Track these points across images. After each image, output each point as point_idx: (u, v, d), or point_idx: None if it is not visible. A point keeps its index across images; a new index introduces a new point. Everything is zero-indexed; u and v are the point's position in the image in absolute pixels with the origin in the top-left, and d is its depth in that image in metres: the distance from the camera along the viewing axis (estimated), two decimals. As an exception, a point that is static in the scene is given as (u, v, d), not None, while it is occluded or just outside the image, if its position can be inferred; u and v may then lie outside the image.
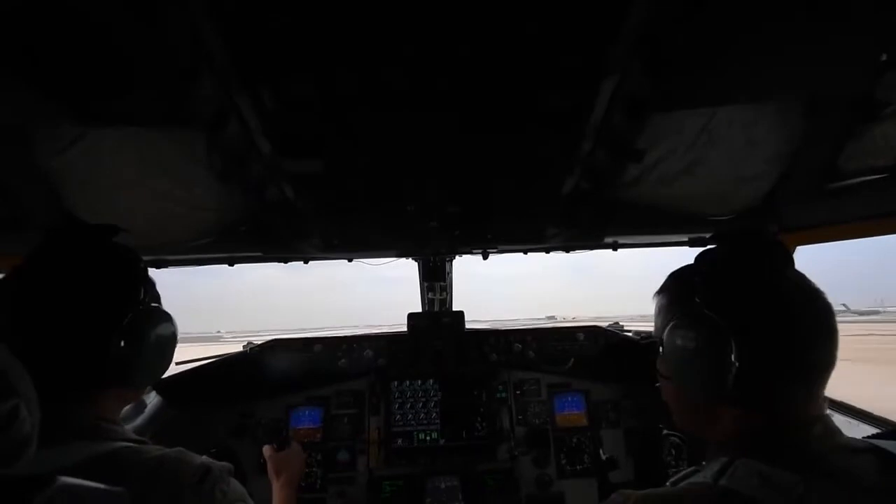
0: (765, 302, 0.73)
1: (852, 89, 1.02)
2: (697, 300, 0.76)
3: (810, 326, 0.72)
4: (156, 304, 0.93)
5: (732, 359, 0.70)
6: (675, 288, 0.85)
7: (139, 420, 1.81)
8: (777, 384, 0.72)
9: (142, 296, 0.89)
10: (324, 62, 0.89)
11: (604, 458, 1.89)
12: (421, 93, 0.99)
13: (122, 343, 0.82)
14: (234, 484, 0.86)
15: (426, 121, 1.08)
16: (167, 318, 0.93)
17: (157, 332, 0.90)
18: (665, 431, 1.88)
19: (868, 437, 0.75)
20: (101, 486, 0.55)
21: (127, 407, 1.76)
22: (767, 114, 1.16)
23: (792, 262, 0.78)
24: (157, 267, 1.66)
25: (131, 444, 0.81)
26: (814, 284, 0.75)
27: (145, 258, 1.63)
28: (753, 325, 0.72)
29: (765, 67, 0.96)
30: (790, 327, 0.71)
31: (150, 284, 0.94)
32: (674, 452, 1.84)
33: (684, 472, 0.79)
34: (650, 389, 2.06)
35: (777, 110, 1.15)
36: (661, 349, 0.84)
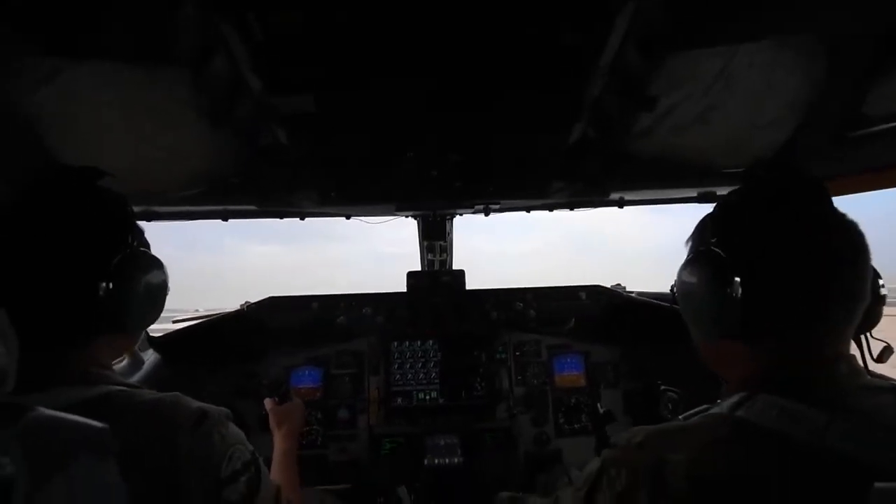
0: (776, 236, 0.70)
1: (880, 26, 0.95)
2: (711, 238, 0.75)
3: (828, 259, 0.68)
4: (144, 250, 0.90)
5: (735, 295, 0.69)
6: (696, 231, 0.84)
7: (136, 377, 1.80)
8: (792, 320, 0.70)
9: (130, 240, 0.86)
10: None
11: (601, 411, 1.91)
12: (420, 28, 0.92)
13: (111, 286, 0.80)
14: (233, 427, 0.85)
15: (425, 59, 1.01)
16: (157, 263, 0.91)
17: (146, 276, 0.87)
18: (662, 387, 1.89)
19: None
20: (81, 419, 0.53)
21: (123, 363, 1.76)
22: (788, 54, 1.09)
23: (822, 197, 0.73)
24: (147, 219, 1.60)
25: (125, 388, 0.80)
26: (840, 214, 0.71)
27: (134, 209, 1.59)
28: (763, 260, 0.70)
29: (788, 1, 0.89)
30: (805, 261, 0.68)
31: (138, 230, 0.91)
32: (670, 406, 1.85)
33: (698, 408, 0.78)
34: (650, 351, 2.09)
35: (798, 50, 1.08)
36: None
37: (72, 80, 1.05)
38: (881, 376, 0.81)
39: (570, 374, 2.21)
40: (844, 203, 0.76)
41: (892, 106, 1.11)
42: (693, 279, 0.78)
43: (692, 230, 0.86)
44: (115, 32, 0.93)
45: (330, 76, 1.05)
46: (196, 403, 0.82)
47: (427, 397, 2.12)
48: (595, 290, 2.25)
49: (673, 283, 0.86)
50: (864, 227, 0.71)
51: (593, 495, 0.72)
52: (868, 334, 0.82)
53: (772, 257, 0.70)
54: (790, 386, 0.66)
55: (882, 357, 0.82)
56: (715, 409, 0.73)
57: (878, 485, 0.47)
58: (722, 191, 1.57)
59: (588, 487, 0.74)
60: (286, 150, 1.30)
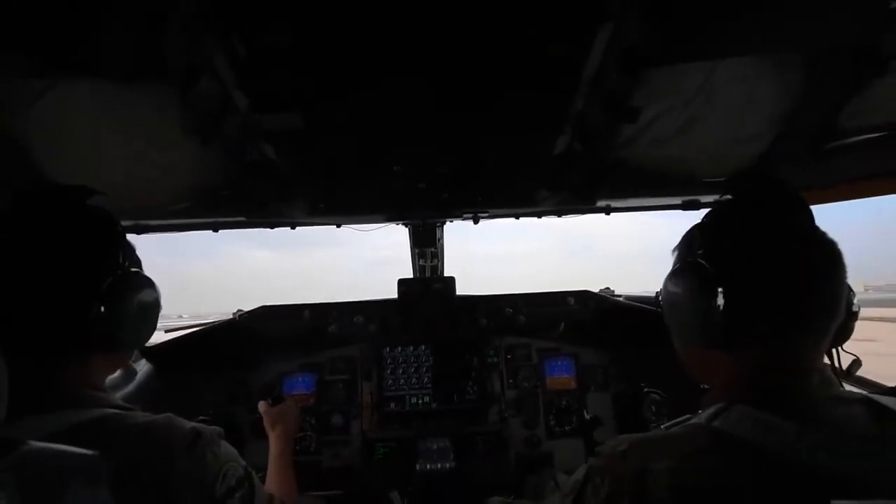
0: (758, 247, 0.73)
1: (858, 41, 0.98)
2: (696, 250, 0.78)
3: (807, 273, 0.71)
4: (136, 269, 0.90)
5: (717, 305, 0.72)
6: (682, 241, 0.87)
7: (130, 387, 1.81)
8: (769, 331, 0.72)
9: (121, 260, 0.86)
10: (300, 10, 0.83)
11: (588, 417, 1.94)
12: (405, 45, 0.93)
13: (103, 309, 0.80)
14: (225, 446, 0.86)
15: (410, 75, 1.03)
16: (148, 283, 0.91)
17: (138, 297, 0.88)
18: (646, 389, 1.93)
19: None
20: (73, 448, 0.54)
21: (116, 374, 1.76)
22: (768, 68, 1.12)
23: (799, 209, 0.76)
24: (138, 233, 1.61)
25: (119, 411, 0.80)
26: (820, 232, 0.73)
27: (124, 223, 1.59)
28: (744, 270, 0.72)
29: (767, 17, 0.91)
30: (785, 272, 0.70)
31: (129, 249, 0.92)
32: (654, 408, 1.91)
33: (679, 419, 0.80)
34: (637, 354, 2.13)
35: (777, 66, 1.11)
36: None
37: (61, 99, 1.06)
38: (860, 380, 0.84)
39: (560, 376, 2.24)
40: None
41: (866, 119, 1.15)
42: (678, 289, 0.81)
43: (679, 239, 0.88)
44: (104, 52, 0.94)
45: (315, 93, 1.06)
46: (189, 424, 0.82)
47: (420, 402, 2.14)
48: (583, 296, 2.28)
49: (658, 291, 0.89)
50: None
51: (580, 502, 0.75)
52: (839, 348, 0.85)
53: (753, 268, 0.72)
54: (765, 396, 0.68)
55: (851, 370, 0.86)
56: (694, 420, 0.75)
57: (834, 502, 0.50)
58: (705, 199, 1.60)
59: (574, 495, 0.76)
60: (274, 165, 1.31)
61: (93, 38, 0.89)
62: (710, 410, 0.72)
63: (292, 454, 1.41)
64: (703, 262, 0.75)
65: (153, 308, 0.93)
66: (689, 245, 0.82)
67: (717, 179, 1.48)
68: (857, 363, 0.86)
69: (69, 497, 0.52)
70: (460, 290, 2.27)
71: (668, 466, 0.65)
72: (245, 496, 0.85)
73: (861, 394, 0.71)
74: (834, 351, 0.85)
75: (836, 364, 0.84)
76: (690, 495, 0.63)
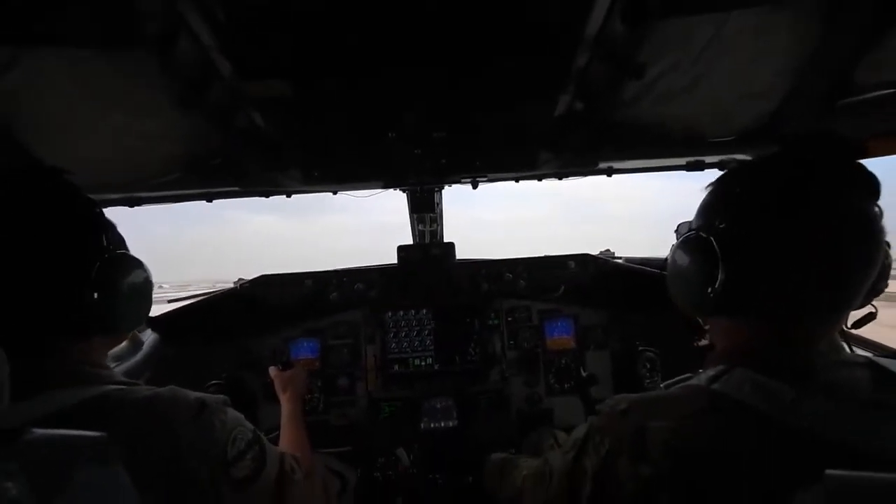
0: (784, 221, 0.68)
1: None
2: (711, 220, 0.76)
3: (835, 251, 0.66)
4: (122, 251, 0.88)
5: (716, 273, 0.72)
6: (703, 207, 0.83)
7: (138, 357, 1.85)
8: (782, 305, 0.70)
9: (104, 243, 0.84)
10: None
11: (584, 375, 1.99)
12: (398, 7, 0.87)
13: (95, 295, 0.80)
14: (231, 412, 0.88)
15: (403, 36, 0.96)
16: (137, 263, 0.90)
17: (129, 279, 0.87)
18: (641, 347, 1.98)
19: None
20: (79, 432, 0.55)
21: (123, 345, 1.80)
22: (782, 20, 1.04)
23: (851, 178, 0.68)
24: (131, 205, 1.59)
25: (121, 387, 0.81)
26: (864, 207, 0.67)
27: (115, 196, 1.56)
28: (743, 237, 0.71)
29: None
30: (807, 249, 0.67)
31: (111, 229, 0.89)
32: (648, 366, 1.95)
33: (680, 377, 0.81)
34: (635, 314, 2.15)
35: (793, 15, 1.04)
36: None
37: (32, 69, 1.00)
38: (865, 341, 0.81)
39: (560, 337, 2.28)
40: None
41: (884, 74, 1.09)
42: (687, 261, 0.79)
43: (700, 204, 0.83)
44: (72, 17, 0.88)
45: (302, 58, 1.00)
46: (193, 394, 0.84)
47: (423, 363, 2.19)
48: (583, 259, 2.27)
49: (666, 257, 0.87)
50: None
51: (581, 459, 0.77)
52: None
53: (772, 241, 0.69)
54: (767, 360, 0.68)
55: (860, 323, 0.83)
56: (694, 381, 0.75)
57: (828, 472, 0.50)
58: (710, 159, 1.55)
59: (575, 452, 0.79)
60: (265, 133, 1.27)
61: (58, 4, 0.83)
62: (711, 372, 0.72)
63: (303, 415, 1.48)
64: (713, 237, 0.73)
65: (145, 287, 0.92)
66: (706, 214, 0.79)
67: (723, 139, 1.43)
68: (870, 316, 0.82)
69: (79, 480, 0.53)
70: (462, 254, 2.27)
71: (667, 426, 0.67)
72: (256, 456, 0.88)
73: (865, 357, 0.70)
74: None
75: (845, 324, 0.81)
76: (687, 455, 0.64)
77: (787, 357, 0.69)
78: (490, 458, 1.45)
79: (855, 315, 0.80)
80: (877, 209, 0.68)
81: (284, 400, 1.50)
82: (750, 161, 0.81)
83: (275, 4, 0.85)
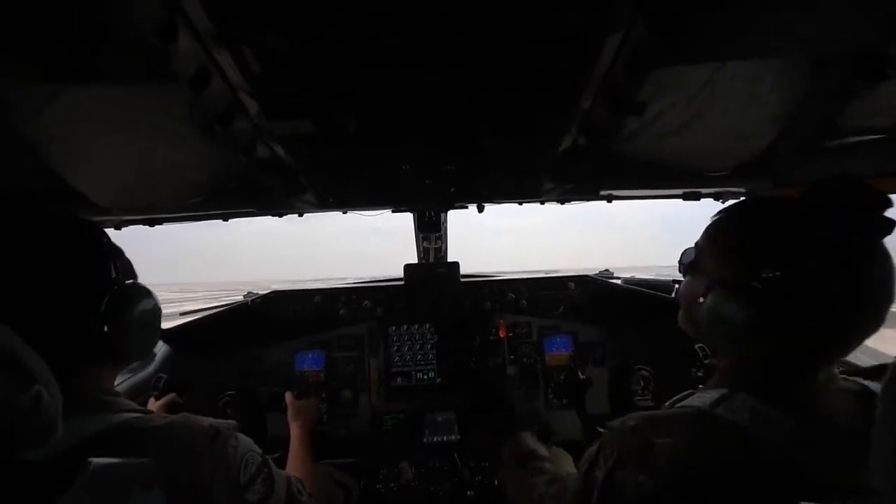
0: (816, 264, 0.70)
1: (862, 45, 0.98)
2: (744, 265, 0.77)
3: (867, 290, 0.69)
4: (131, 281, 0.90)
5: (759, 321, 0.73)
6: (713, 232, 0.86)
7: (150, 369, 1.90)
8: (803, 342, 0.73)
9: (114, 273, 0.86)
10: (305, 19, 0.83)
11: (581, 377, 2.03)
12: (411, 49, 0.93)
13: (105, 328, 0.82)
14: (242, 438, 0.92)
15: (418, 78, 1.03)
16: (146, 293, 0.91)
17: (138, 309, 0.89)
18: (637, 366, 2.05)
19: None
20: (130, 460, 0.61)
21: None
22: (772, 69, 1.12)
23: (884, 226, 0.69)
24: (151, 225, 1.65)
25: (140, 415, 0.84)
26: (884, 247, 0.69)
27: (136, 217, 1.62)
28: (795, 289, 0.71)
29: (773, 22, 0.92)
30: (837, 291, 0.69)
31: (119, 256, 0.91)
32: (642, 384, 2.05)
33: (683, 394, 0.86)
34: (632, 332, 2.22)
35: (781, 67, 1.11)
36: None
37: (70, 102, 1.07)
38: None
39: (559, 353, 2.34)
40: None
41: (865, 120, 1.16)
42: (733, 309, 0.76)
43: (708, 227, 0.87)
44: (113, 58, 0.94)
45: (325, 99, 1.07)
46: (206, 421, 0.87)
47: (425, 377, 2.25)
48: (583, 280, 2.35)
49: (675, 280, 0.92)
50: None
51: (592, 470, 0.82)
52: None
53: (823, 293, 0.69)
54: (769, 389, 0.73)
55: None
56: (697, 402, 0.79)
57: None
58: (706, 190, 1.63)
59: (587, 466, 0.83)
60: (283, 162, 1.34)
61: (101, 45, 0.90)
62: (715, 395, 0.76)
63: (311, 440, 1.55)
64: (762, 285, 0.72)
65: (154, 315, 0.94)
66: (741, 258, 0.78)
67: (718, 173, 1.50)
68: None
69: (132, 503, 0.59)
70: (468, 266, 2.35)
71: (670, 443, 0.71)
72: (265, 479, 0.92)
73: (860, 384, 0.75)
74: None
75: None
76: (686, 472, 0.69)
77: (790, 387, 0.74)
78: (516, 440, 1.36)
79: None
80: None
81: (294, 427, 1.59)
82: (778, 201, 0.80)
83: (302, 52, 0.92)
